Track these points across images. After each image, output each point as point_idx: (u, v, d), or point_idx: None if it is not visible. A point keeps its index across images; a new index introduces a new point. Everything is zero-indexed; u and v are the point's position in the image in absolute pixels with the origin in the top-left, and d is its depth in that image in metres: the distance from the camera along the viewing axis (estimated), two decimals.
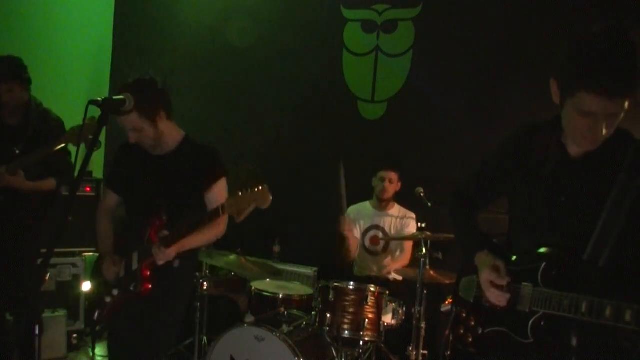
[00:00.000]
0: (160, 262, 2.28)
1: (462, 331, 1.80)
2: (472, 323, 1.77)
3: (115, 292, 2.42)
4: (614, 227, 1.47)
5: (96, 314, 2.46)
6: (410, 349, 3.09)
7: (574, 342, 1.51)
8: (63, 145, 3.08)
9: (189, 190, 2.38)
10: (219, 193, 2.39)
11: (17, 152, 3.02)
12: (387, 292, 3.09)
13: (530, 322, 1.56)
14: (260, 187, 2.05)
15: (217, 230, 2.40)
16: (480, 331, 1.73)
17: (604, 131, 1.44)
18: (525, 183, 1.68)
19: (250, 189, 2.05)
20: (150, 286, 2.34)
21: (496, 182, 1.82)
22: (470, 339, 1.76)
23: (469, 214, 1.90)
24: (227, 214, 2.20)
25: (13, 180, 2.98)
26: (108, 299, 2.44)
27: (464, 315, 1.81)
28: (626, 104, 1.41)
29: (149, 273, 2.34)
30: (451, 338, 1.84)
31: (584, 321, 1.43)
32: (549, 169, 1.62)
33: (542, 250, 1.60)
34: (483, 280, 1.68)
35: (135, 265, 2.36)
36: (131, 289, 2.36)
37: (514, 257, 1.70)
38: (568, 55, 1.45)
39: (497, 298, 1.64)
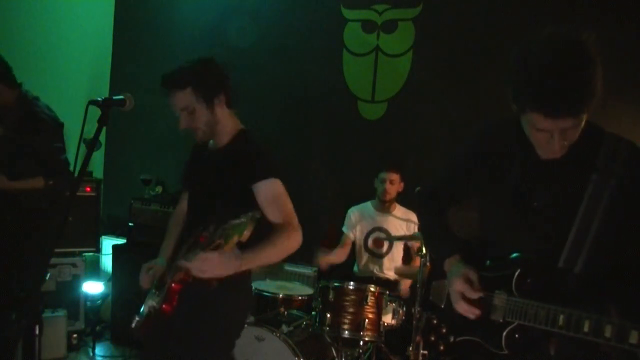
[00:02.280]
0: (195, 272, 1.83)
1: (433, 338, 1.72)
2: (444, 330, 1.69)
3: (150, 303, 2.07)
4: (589, 231, 1.39)
5: (134, 322, 2.06)
6: (411, 349, 3.08)
7: (552, 352, 1.44)
8: (55, 143, 3.04)
9: (233, 193, 2.00)
10: (264, 195, 1.98)
11: None
12: (387, 292, 3.10)
13: (505, 333, 1.48)
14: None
15: (290, 238, 1.96)
16: (452, 339, 1.66)
17: (563, 143, 1.36)
18: (496, 185, 1.59)
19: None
20: (170, 307, 1.93)
21: (464, 183, 1.73)
22: (442, 347, 1.68)
23: (438, 215, 1.81)
24: (295, 226, 1.97)
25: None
26: (145, 310, 2.09)
27: (435, 321, 1.73)
28: (582, 117, 1.32)
29: (178, 290, 1.93)
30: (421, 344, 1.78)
31: (561, 333, 1.36)
32: (520, 171, 1.53)
33: (515, 255, 1.52)
34: (453, 290, 1.60)
35: (168, 278, 2.01)
36: (155, 305, 2.01)
37: (488, 262, 1.61)
38: (515, 70, 1.34)
39: (466, 311, 1.56)
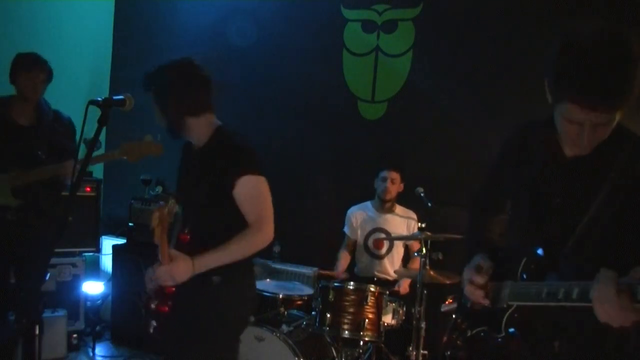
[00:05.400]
0: (161, 283, 1.96)
1: (454, 335, 1.80)
2: (463, 326, 1.77)
3: (152, 305, 2.12)
4: (598, 224, 1.43)
5: (151, 327, 2.07)
6: (410, 349, 3.09)
7: (556, 349, 1.50)
8: (75, 145, 3.09)
9: (211, 191, 2.01)
10: (244, 192, 1.97)
11: (42, 155, 2.99)
12: (387, 292, 3.10)
13: (505, 317, 1.56)
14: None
15: (254, 238, 1.96)
16: (468, 333, 1.73)
17: (593, 139, 1.38)
18: (520, 182, 1.65)
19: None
20: (165, 307, 2.01)
21: (500, 185, 1.80)
22: (459, 342, 1.76)
23: (478, 219, 1.89)
24: (268, 225, 1.98)
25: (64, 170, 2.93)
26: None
27: (459, 320, 1.81)
28: (616, 115, 1.33)
29: (171, 290, 2.00)
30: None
31: (552, 308, 1.42)
32: (541, 168, 1.59)
33: (526, 248, 1.59)
34: (464, 277, 1.70)
35: None
36: (152, 306, 2.07)
37: (499, 254, 1.71)
38: (555, 60, 1.36)
39: (470, 292, 1.66)
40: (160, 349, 2.18)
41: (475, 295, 1.63)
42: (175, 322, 2.03)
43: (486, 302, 1.63)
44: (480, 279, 1.62)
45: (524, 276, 1.55)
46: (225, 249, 1.92)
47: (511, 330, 1.54)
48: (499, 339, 1.57)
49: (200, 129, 2.09)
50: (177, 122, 2.05)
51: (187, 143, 2.24)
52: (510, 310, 1.55)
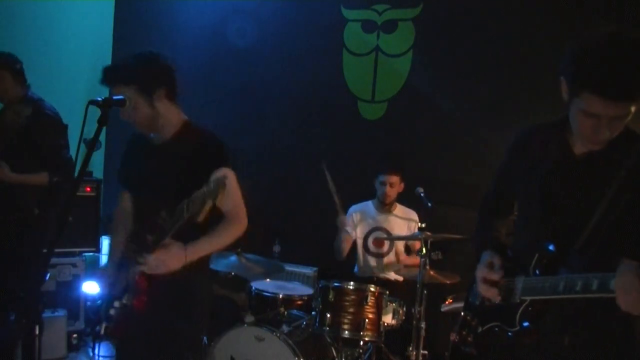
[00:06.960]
0: (151, 271, 1.95)
1: (464, 332, 1.83)
2: (473, 323, 1.80)
3: (116, 304, 2.10)
4: (607, 220, 1.48)
5: (103, 328, 2.08)
6: (410, 349, 3.08)
7: (565, 341, 1.54)
8: (60, 141, 3.08)
9: (186, 184, 1.93)
10: None
11: None
12: (387, 292, 3.10)
13: (519, 311, 1.59)
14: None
15: (236, 228, 2.06)
16: (479, 330, 1.76)
17: (607, 133, 1.45)
18: (529, 182, 1.69)
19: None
20: (144, 300, 1.99)
21: (507, 187, 1.85)
22: (470, 339, 1.79)
23: (486, 220, 1.94)
24: (244, 215, 2.05)
25: None
26: (112, 312, 2.10)
27: (469, 318, 1.84)
28: (632, 109, 1.41)
29: (145, 284, 1.99)
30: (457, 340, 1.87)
31: (564, 302, 1.46)
32: (550, 167, 1.63)
33: (537, 244, 1.63)
34: (477, 275, 1.73)
35: (129, 275, 2.05)
36: (125, 302, 2.06)
37: (509, 252, 1.75)
38: (575, 55, 1.45)
39: (485, 291, 1.69)
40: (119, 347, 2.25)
41: (490, 292, 1.67)
42: (144, 321, 2.03)
43: (498, 299, 1.66)
44: (495, 276, 1.67)
45: (537, 271, 1.58)
46: (214, 237, 2.01)
47: (525, 324, 1.57)
48: (510, 334, 1.61)
49: (171, 116, 2.11)
50: (156, 110, 2.05)
51: (136, 136, 2.22)
52: (524, 305, 1.58)
